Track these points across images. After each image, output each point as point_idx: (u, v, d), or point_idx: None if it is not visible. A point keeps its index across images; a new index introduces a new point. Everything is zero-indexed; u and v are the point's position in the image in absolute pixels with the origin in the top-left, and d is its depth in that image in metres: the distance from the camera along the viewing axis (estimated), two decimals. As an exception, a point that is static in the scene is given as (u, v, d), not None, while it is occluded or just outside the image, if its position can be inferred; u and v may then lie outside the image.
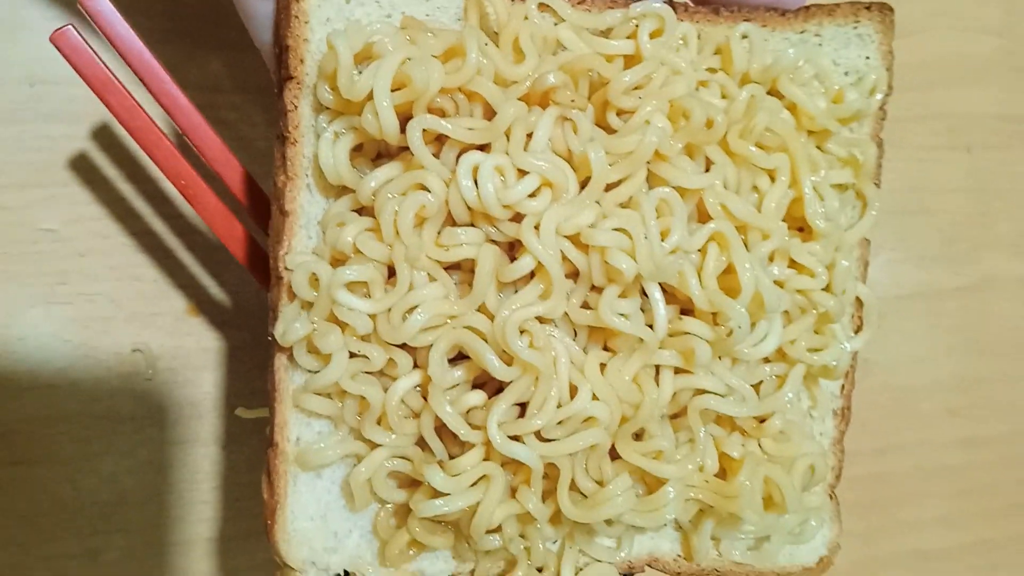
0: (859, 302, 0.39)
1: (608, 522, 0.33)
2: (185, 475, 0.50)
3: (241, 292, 0.50)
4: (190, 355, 0.50)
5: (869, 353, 0.64)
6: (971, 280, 0.67)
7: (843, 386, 0.39)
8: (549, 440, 0.32)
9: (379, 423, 0.32)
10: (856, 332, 0.39)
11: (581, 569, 0.34)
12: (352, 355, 0.32)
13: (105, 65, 0.37)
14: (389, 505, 0.32)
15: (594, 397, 0.32)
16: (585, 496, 0.32)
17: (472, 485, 0.31)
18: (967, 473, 0.67)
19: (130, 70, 0.38)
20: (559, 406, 0.32)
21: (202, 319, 0.50)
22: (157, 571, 0.50)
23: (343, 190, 0.33)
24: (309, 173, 0.33)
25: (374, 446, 0.32)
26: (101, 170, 0.48)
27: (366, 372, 0.32)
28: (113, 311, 0.48)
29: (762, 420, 0.35)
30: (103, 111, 0.47)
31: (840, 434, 0.40)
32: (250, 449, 0.51)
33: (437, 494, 0.31)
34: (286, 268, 0.31)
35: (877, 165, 0.38)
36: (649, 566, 0.36)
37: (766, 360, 0.36)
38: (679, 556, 0.36)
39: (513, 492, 0.32)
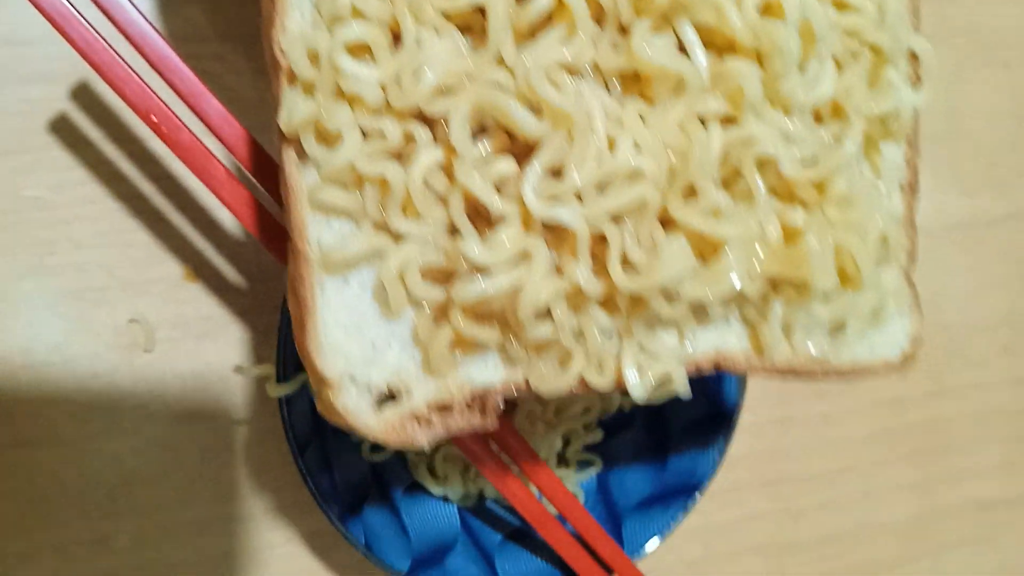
0: (913, 58, 0.35)
1: (668, 299, 0.29)
2: (194, 452, 0.47)
3: (240, 255, 0.47)
4: (190, 323, 0.47)
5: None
6: (1019, 206, 0.63)
7: (907, 155, 0.35)
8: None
9: (404, 211, 0.28)
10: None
11: (643, 369, 0.30)
12: (365, 136, 0.28)
13: (86, 20, 0.34)
14: (426, 309, 0.29)
15: (637, 148, 0.28)
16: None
17: (514, 264, 0.28)
18: (1027, 415, 0.63)
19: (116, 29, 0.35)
20: (599, 163, 0.28)
21: (200, 285, 0.47)
22: (172, 554, 0.47)
23: None
24: None
25: (401, 240, 0.29)
26: (83, 131, 0.45)
27: (383, 153, 0.28)
28: (106, 280, 0.46)
29: (822, 191, 0.31)
30: (82, 70, 0.44)
31: (910, 211, 0.36)
32: (261, 422, 0.48)
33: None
34: (281, 50, 0.28)
35: None
36: (717, 367, 0.32)
37: (819, 120, 0.32)
38: (748, 352, 0.32)
39: (559, 273, 0.29)
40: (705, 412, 0.46)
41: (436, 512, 0.46)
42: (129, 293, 0.46)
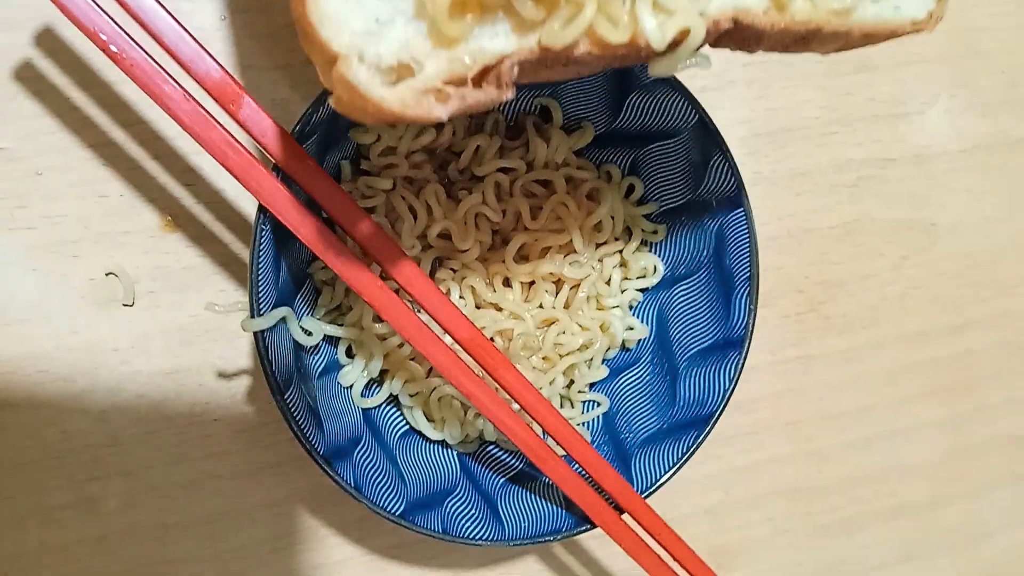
0: None
1: None
2: (182, 408, 0.45)
3: (219, 202, 0.45)
4: (171, 275, 0.45)
5: (934, 216, 0.58)
6: (1043, 125, 0.60)
7: None
8: None
9: None
10: None
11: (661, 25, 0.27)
12: None
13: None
14: None
15: None
16: None
17: None
18: (1061, 341, 0.60)
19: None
20: None
21: (180, 235, 0.45)
22: (163, 515, 0.45)
23: None
24: None
25: None
26: (50, 78, 0.43)
27: None
28: (80, 232, 0.44)
29: None
30: (45, 14, 0.43)
31: None
32: (251, 375, 0.46)
33: None
34: None
35: None
36: (736, 25, 0.29)
37: None
38: (768, 7, 0.29)
39: None
40: (714, 340, 0.43)
41: (434, 456, 0.44)
42: (105, 245, 0.44)
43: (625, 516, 0.41)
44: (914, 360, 0.58)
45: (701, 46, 0.29)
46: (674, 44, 0.28)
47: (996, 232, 0.59)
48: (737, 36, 0.30)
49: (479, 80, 0.28)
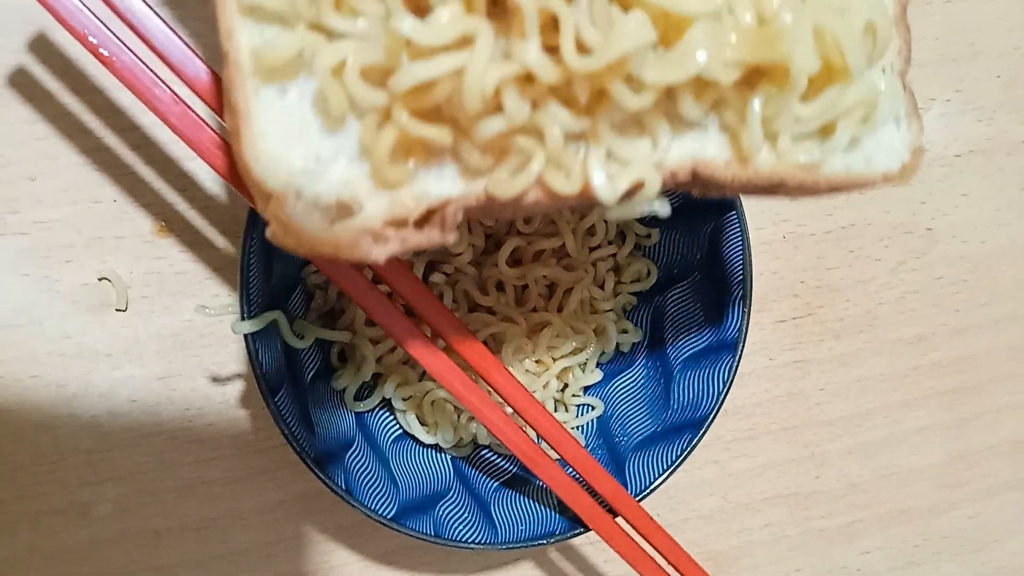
0: None
1: (631, 86, 0.25)
2: (174, 413, 0.45)
3: (212, 207, 0.45)
4: (164, 280, 0.45)
5: (930, 221, 0.57)
6: (1040, 127, 0.59)
7: None
8: None
9: (338, 6, 0.26)
10: None
11: (614, 176, 0.26)
12: None
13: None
14: (370, 113, 0.26)
15: None
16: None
17: (456, 49, 0.25)
18: (1063, 344, 0.59)
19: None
20: None
21: (172, 240, 0.45)
22: (155, 520, 0.45)
23: None
24: None
25: (337, 38, 0.26)
26: (42, 85, 0.43)
27: None
28: (73, 237, 0.44)
29: None
30: (37, 20, 0.43)
31: (902, 8, 0.32)
32: (244, 380, 0.46)
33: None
34: None
35: None
36: (695, 177, 0.28)
37: None
38: (730, 160, 0.28)
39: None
40: (707, 343, 0.43)
41: (426, 460, 0.44)
42: (97, 250, 0.44)
43: (619, 520, 0.41)
44: (913, 364, 0.58)
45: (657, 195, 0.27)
46: (630, 192, 0.27)
47: (994, 236, 0.59)
48: (698, 183, 0.29)
49: (422, 222, 0.27)
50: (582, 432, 0.46)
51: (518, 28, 0.25)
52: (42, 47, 0.43)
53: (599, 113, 0.26)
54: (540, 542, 0.40)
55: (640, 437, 0.43)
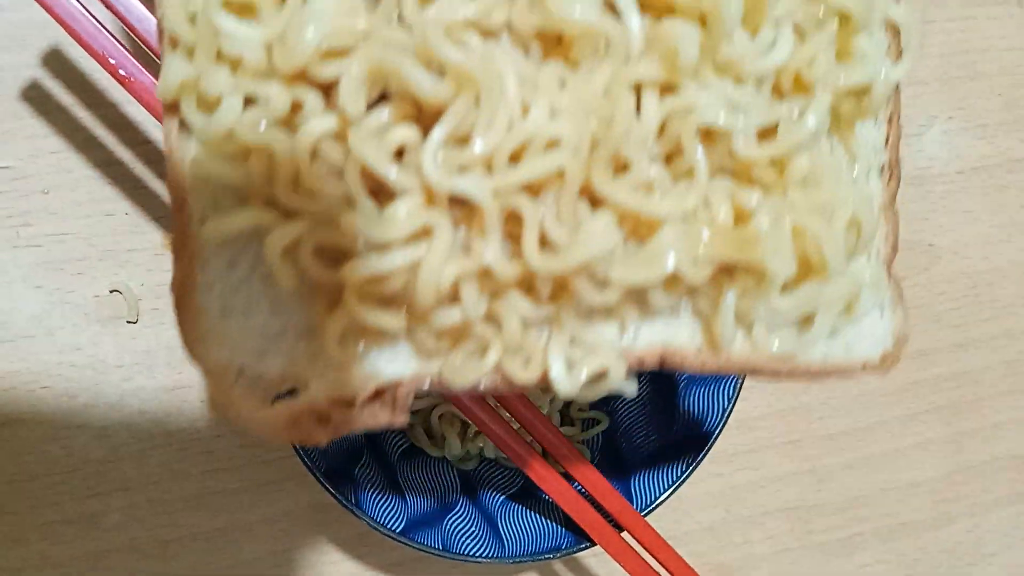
0: (894, 30, 0.31)
1: (596, 284, 0.26)
2: (184, 424, 0.46)
3: (223, 220, 0.46)
4: (175, 292, 0.45)
5: (932, 237, 0.58)
6: (1040, 146, 0.60)
7: (887, 137, 0.31)
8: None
9: (295, 185, 0.26)
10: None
11: (576, 363, 0.26)
12: (250, 103, 0.26)
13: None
14: (320, 293, 0.26)
15: (553, 113, 0.24)
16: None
17: (414, 241, 0.25)
18: (1061, 361, 0.60)
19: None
20: (508, 130, 0.24)
21: (184, 252, 0.45)
22: (164, 531, 0.45)
23: None
24: None
25: (292, 217, 0.26)
26: (56, 98, 0.44)
27: (269, 121, 0.25)
28: (85, 250, 0.44)
29: (782, 171, 0.28)
30: (51, 35, 0.43)
31: (891, 196, 0.32)
32: (252, 392, 0.46)
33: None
34: (162, 18, 0.26)
35: None
36: (663, 363, 0.28)
37: (780, 95, 0.28)
38: (701, 347, 0.28)
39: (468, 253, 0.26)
40: (713, 359, 0.43)
41: (434, 474, 0.44)
42: (109, 263, 0.44)
43: (625, 534, 0.42)
44: (915, 379, 0.58)
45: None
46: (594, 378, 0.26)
47: (995, 252, 0.59)
48: (667, 367, 0.28)
49: (370, 401, 0.26)
50: (588, 446, 0.46)
51: (479, 222, 0.25)
52: (56, 62, 0.43)
53: (563, 301, 0.26)
54: (547, 556, 0.40)
55: (646, 452, 0.44)
